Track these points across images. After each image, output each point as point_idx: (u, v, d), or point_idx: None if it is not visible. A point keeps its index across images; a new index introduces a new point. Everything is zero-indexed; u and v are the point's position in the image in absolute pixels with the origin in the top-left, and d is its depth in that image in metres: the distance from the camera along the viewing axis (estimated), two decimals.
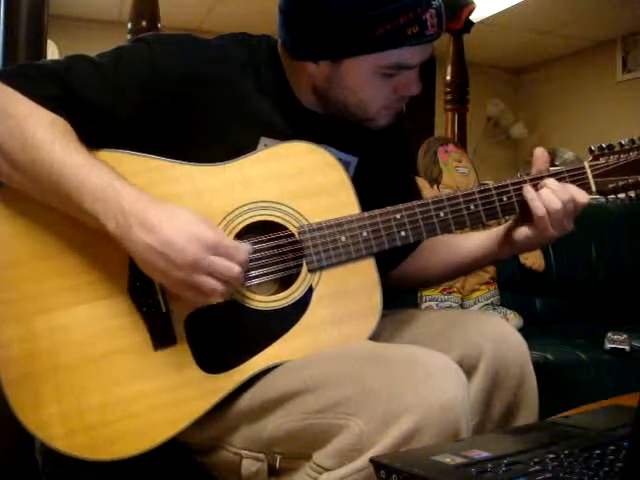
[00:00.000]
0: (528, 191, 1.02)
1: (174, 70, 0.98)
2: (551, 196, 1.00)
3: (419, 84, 1.02)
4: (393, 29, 0.94)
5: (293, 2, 0.99)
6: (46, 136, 0.89)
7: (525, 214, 1.04)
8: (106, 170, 0.90)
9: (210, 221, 0.90)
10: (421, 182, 2.15)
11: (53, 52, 3.33)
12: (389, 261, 1.16)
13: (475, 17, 2.99)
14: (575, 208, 1.02)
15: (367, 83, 1.00)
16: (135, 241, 0.86)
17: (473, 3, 2.81)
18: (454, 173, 2.19)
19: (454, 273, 1.25)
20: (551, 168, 1.06)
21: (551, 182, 1.02)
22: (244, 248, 0.90)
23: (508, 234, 1.09)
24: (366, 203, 1.02)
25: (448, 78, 3.08)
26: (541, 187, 1.02)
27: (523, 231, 1.04)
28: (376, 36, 0.94)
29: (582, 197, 1.02)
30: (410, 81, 1.01)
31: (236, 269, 0.87)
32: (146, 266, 0.88)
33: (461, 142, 2.86)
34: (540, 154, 1.06)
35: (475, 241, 1.16)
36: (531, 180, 1.04)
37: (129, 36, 2.24)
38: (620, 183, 1.04)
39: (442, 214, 1.02)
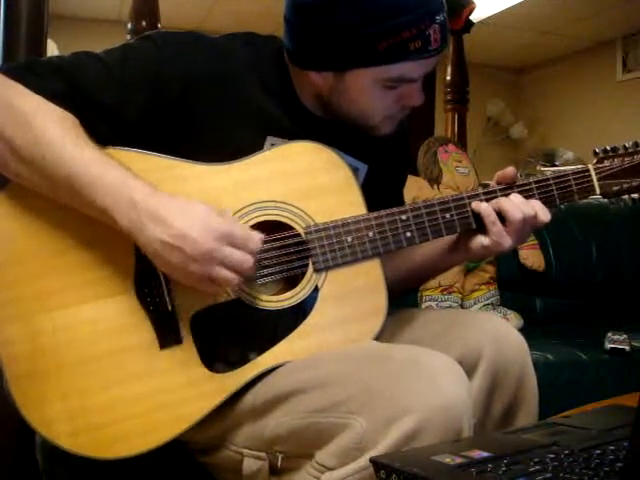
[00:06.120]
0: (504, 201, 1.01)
1: (180, 69, 0.98)
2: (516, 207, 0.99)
3: (422, 95, 1.03)
4: (395, 44, 0.94)
5: (297, 13, 0.99)
6: (56, 131, 0.89)
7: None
8: (117, 166, 0.90)
9: (221, 210, 0.90)
10: (421, 182, 2.16)
11: (53, 52, 3.33)
12: None
13: (475, 17, 2.98)
14: (535, 224, 1.01)
15: (369, 94, 1.00)
16: (148, 236, 0.86)
17: (473, 3, 2.81)
18: (454, 173, 2.19)
19: (405, 283, 1.19)
20: (555, 169, 1.06)
21: (514, 196, 1.01)
22: (256, 237, 0.89)
23: (462, 242, 1.07)
24: (375, 210, 1.02)
25: (448, 78, 3.08)
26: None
27: (479, 240, 1.02)
28: (378, 50, 0.94)
29: (545, 216, 1.01)
30: (413, 92, 1.02)
31: (250, 260, 0.88)
32: (160, 261, 0.88)
33: (461, 142, 2.86)
34: (510, 173, 1.04)
35: (425, 249, 1.13)
36: (536, 182, 1.04)
37: (129, 36, 2.24)
38: (624, 186, 1.05)
39: (448, 215, 1.02)
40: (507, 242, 1.00)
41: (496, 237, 1.00)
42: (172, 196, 0.89)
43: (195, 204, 0.89)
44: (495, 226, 1.00)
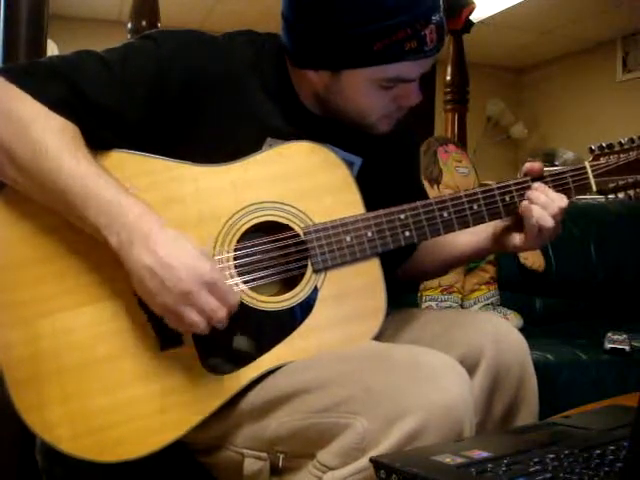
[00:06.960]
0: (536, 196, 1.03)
1: (180, 69, 0.98)
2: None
3: (419, 94, 1.03)
4: (391, 44, 0.93)
5: (294, 10, 0.99)
6: (54, 143, 0.89)
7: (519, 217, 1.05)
8: (112, 182, 0.89)
9: (211, 257, 0.91)
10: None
11: (53, 52, 3.33)
12: (396, 260, 1.17)
13: (475, 17, 2.98)
14: (561, 213, 1.03)
15: (366, 94, 1.00)
16: (134, 258, 0.86)
17: (473, 3, 2.81)
18: (454, 173, 2.19)
19: (446, 269, 1.32)
20: (552, 168, 1.06)
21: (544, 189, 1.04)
22: (236, 295, 0.89)
23: (501, 234, 1.10)
24: (369, 204, 1.02)
25: (448, 78, 3.07)
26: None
27: (518, 235, 1.06)
28: (374, 51, 0.94)
29: (564, 202, 1.03)
30: (409, 92, 1.02)
31: (223, 312, 0.87)
32: (137, 283, 0.87)
33: (461, 142, 2.86)
34: (535, 168, 1.07)
35: (466, 240, 1.17)
36: (533, 181, 1.04)
37: (129, 36, 2.24)
38: (620, 182, 1.05)
39: (445, 214, 1.03)
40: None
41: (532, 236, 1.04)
42: (164, 225, 0.88)
43: (186, 241, 0.87)
44: (534, 228, 1.02)
